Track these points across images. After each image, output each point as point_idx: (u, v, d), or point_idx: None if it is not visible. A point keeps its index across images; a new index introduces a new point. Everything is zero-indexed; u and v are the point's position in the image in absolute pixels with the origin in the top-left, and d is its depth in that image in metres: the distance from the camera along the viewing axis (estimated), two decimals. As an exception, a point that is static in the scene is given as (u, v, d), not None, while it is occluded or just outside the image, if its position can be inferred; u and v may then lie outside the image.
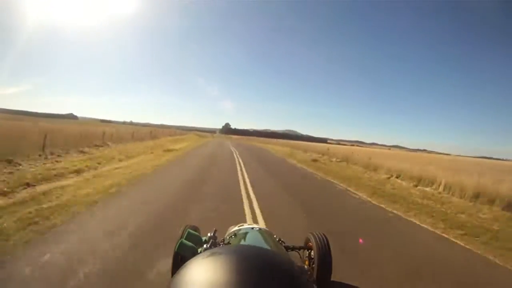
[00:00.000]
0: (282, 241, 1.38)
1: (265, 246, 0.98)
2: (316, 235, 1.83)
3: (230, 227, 1.27)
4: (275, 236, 1.19)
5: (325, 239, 1.82)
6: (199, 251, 0.95)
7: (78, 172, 6.97)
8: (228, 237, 1.12)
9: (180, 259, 0.99)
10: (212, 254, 0.42)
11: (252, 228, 1.15)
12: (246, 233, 1.09)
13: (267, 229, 1.22)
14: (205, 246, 0.95)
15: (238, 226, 1.21)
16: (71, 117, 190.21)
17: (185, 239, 1.01)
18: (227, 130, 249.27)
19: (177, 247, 0.99)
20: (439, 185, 8.62)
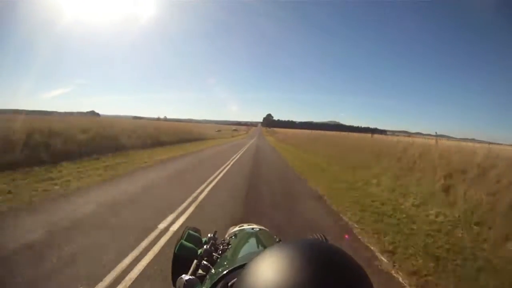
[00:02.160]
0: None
1: (266, 247, 0.92)
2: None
3: (230, 228, 1.26)
4: (275, 237, 1.13)
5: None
6: (199, 252, 0.95)
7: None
8: (228, 238, 1.09)
9: (180, 260, 0.94)
10: (283, 247, 0.42)
11: (253, 229, 1.13)
12: (246, 234, 1.08)
13: (267, 230, 1.19)
14: (205, 247, 0.92)
15: (239, 227, 1.19)
16: (92, 114, 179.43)
17: (185, 240, 1.02)
18: (270, 122, 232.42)
19: (177, 248, 0.98)
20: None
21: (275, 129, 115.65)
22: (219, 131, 64.40)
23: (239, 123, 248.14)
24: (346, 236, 3.28)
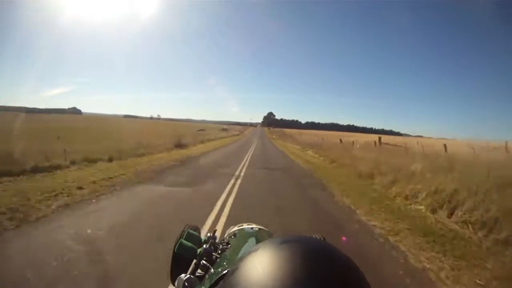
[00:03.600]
0: None
1: None
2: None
3: (230, 227, 1.25)
4: (274, 236, 1.05)
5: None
6: (198, 252, 0.96)
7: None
8: (227, 237, 1.09)
9: (179, 259, 0.96)
10: (281, 243, 0.41)
11: (252, 228, 1.13)
12: (246, 234, 1.08)
13: (267, 229, 1.17)
14: (204, 246, 0.93)
15: (238, 227, 1.18)
16: (73, 111, 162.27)
17: (184, 239, 1.01)
18: (271, 121, 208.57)
19: (176, 247, 0.98)
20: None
21: (285, 130, 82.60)
22: (202, 130, 47.62)
23: (238, 123, 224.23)
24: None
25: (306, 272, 0.36)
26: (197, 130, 45.92)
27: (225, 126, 73.20)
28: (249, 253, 0.41)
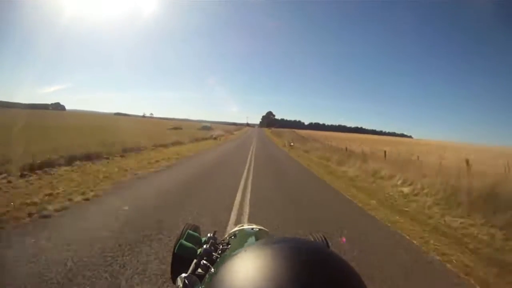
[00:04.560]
0: None
1: None
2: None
3: (230, 229, 1.27)
4: (274, 237, 0.98)
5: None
6: (198, 252, 0.96)
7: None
8: (228, 238, 1.10)
9: (180, 260, 0.98)
10: (265, 244, 0.40)
11: (252, 229, 1.14)
12: (246, 234, 1.09)
13: (267, 230, 1.18)
14: (204, 246, 0.92)
15: (238, 227, 1.19)
16: (55, 107, 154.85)
17: (185, 239, 1.02)
18: (270, 121, 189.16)
19: (176, 248, 1.00)
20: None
21: (300, 131, 61.48)
22: (176, 128, 38.84)
23: (235, 124, 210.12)
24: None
25: (290, 276, 0.32)
26: (169, 129, 35.57)
27: (207, 124, 57.35)
28: (231, 256, 0.40)
